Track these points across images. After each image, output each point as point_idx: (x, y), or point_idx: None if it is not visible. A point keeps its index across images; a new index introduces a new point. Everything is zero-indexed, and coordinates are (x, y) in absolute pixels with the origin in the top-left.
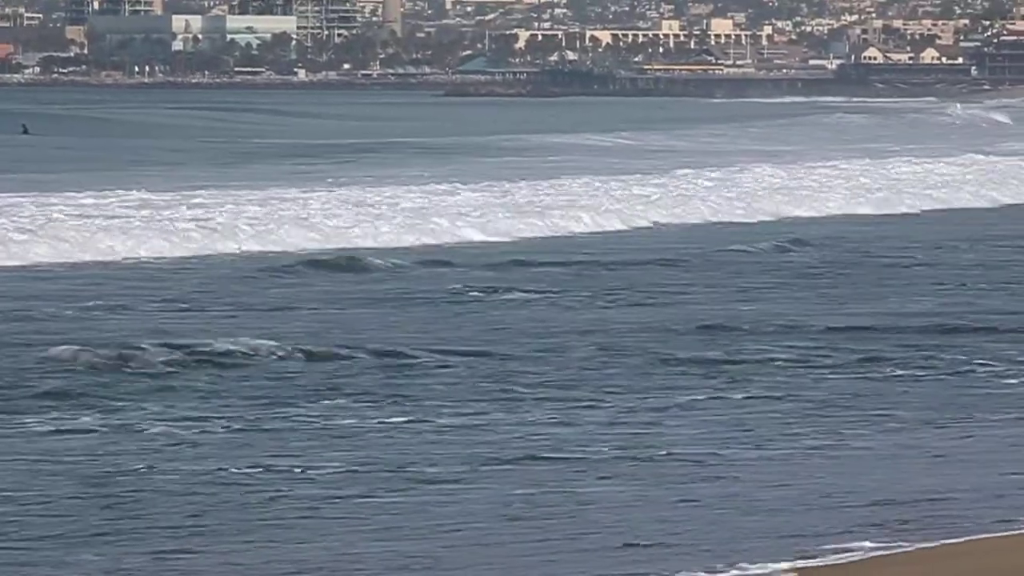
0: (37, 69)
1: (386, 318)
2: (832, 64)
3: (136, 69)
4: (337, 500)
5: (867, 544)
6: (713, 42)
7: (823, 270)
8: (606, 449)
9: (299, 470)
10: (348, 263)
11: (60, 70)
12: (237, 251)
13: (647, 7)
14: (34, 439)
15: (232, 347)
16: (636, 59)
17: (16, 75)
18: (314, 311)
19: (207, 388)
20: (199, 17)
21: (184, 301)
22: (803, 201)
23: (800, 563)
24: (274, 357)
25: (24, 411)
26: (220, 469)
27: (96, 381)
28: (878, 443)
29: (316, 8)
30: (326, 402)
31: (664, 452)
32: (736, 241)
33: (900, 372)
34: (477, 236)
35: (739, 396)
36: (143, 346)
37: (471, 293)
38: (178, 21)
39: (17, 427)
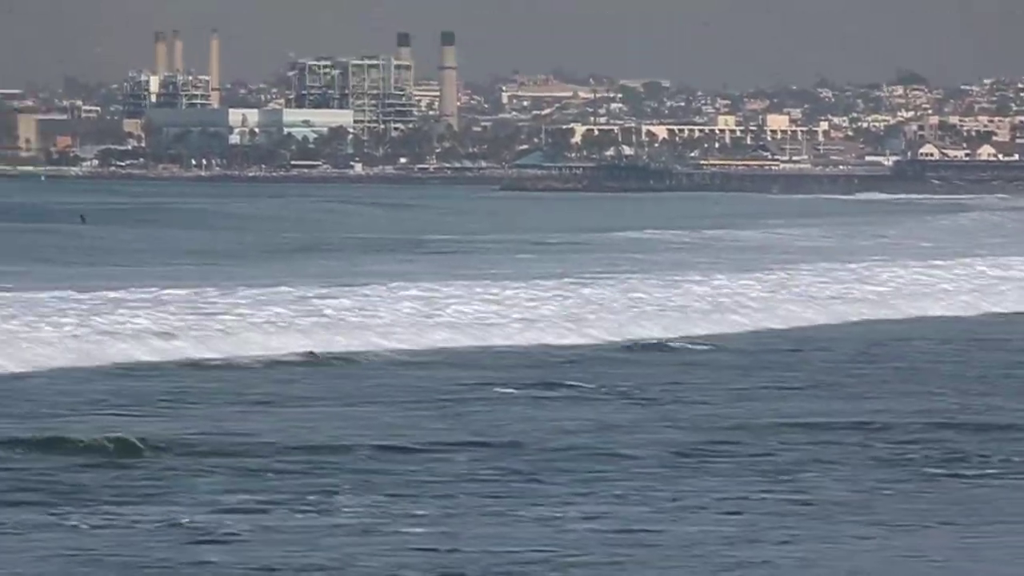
0: (95, 161)
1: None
2: (889, 160)
3: (193, 162)
4: None
5: None
6: (769, 137)
7: None
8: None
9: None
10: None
11: (118, 162)
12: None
13: (703, 102)
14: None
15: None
16: (692, 154)
17: (74, 167)
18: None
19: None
20: (256, 111)
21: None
22: None
23: None
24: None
25: None
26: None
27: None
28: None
29: (373, 102)
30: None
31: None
32: None
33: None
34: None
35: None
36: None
37: None
38: (235, 115)
39: None
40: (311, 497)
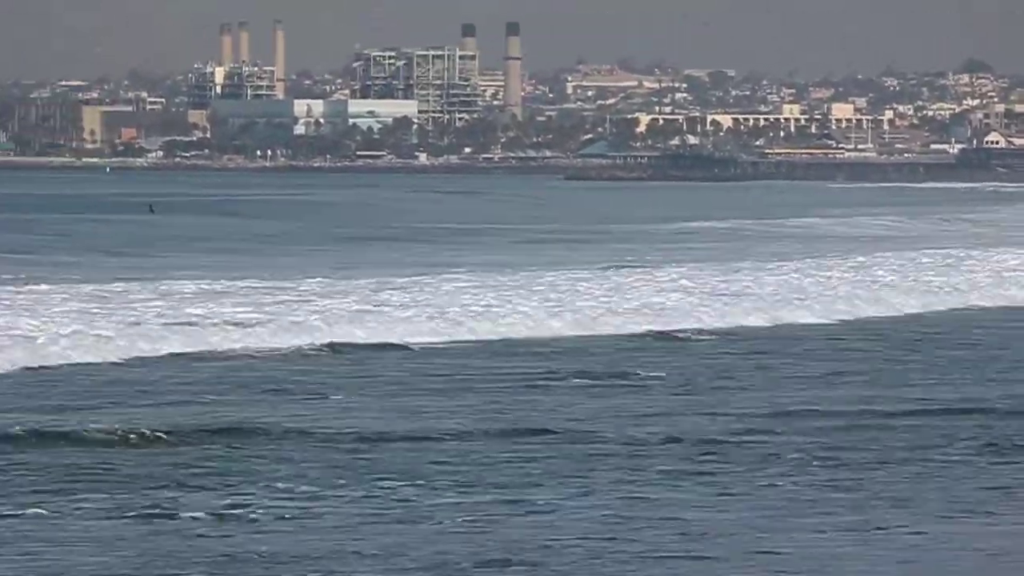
0: (160, 153)
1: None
2: (954, 148)
3: (258, 153)
4: None
5: None
6: (834, 126)
7: None
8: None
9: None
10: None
11: (183, 154)
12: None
13: (768, 91)
14: None
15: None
16: (757, 143)
17: (140, 159)
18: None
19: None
20: (321, 101)
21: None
22: None
23: None
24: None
25: None
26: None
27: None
28: None
29: (437, 92)
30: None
31: None
32: None
33: None
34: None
35: None
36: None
37: None
38: (300, 106)
39: None
40: (355, 485)
